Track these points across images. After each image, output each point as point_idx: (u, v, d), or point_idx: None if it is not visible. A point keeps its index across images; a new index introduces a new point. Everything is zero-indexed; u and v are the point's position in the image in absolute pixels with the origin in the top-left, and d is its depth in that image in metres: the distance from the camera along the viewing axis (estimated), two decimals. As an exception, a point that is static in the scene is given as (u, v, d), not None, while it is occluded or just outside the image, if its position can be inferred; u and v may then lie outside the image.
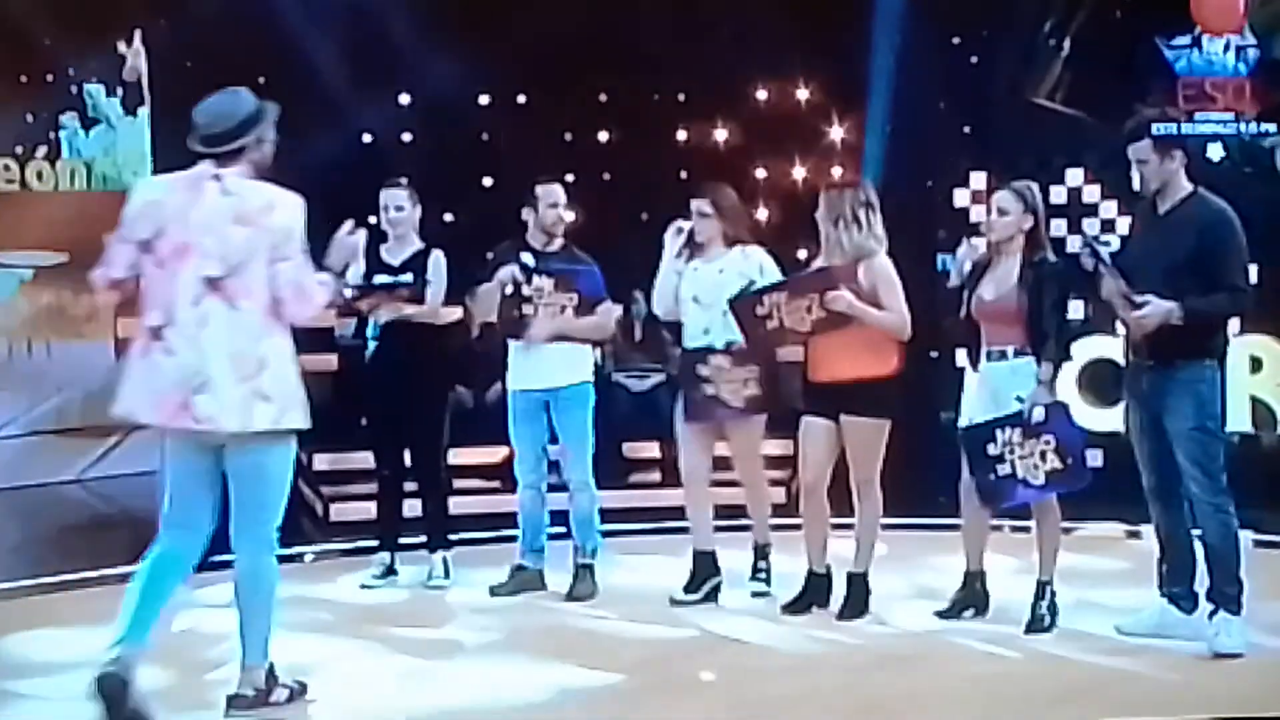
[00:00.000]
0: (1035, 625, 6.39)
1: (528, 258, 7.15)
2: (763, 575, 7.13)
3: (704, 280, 6.99)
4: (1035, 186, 6.53)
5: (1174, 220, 6.04)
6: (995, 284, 6.42)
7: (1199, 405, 6.01)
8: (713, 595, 7.04)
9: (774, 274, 6.94)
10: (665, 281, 7.07)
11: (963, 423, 6.47)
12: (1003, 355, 6.38)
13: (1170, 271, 5.95)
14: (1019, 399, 6.28)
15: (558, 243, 7.34)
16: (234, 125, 5.22)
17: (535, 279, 7.09)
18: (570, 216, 7.43)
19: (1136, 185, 6.08)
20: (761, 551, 7.16)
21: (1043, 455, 6.25)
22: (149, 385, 5.16)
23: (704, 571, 7.05)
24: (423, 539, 7.60)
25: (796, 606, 6.76)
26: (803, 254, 7.75)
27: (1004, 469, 6.29)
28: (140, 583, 5.19)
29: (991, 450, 6.29)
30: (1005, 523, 7.01)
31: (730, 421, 6.97)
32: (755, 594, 7.07)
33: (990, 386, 6.39)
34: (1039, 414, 6.24)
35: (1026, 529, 6.66)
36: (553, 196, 7.30)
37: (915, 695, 5.69)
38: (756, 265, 6.96)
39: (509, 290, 7.08)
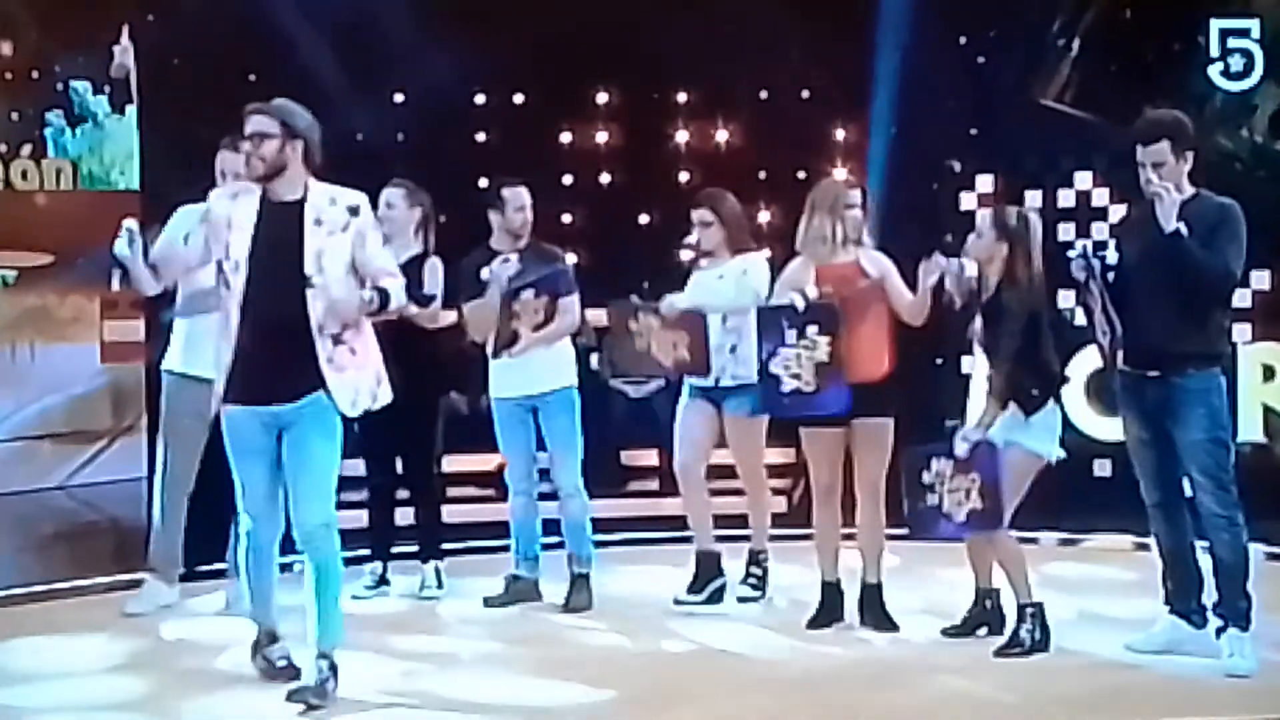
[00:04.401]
0: (1009, 647, 6.19)
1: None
2: (754, 581, 7.10)
3: (702, 286, 7.03)
4: (1033, 216, 6.36)
5: (1183, 221, 5.86)
6: (982, 315, 6.29)
7: (1211, 415, 5.95)
8: (716, 597, 7.01)
9: (765, 285, 6.94)
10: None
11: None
12: None
13: (1179, 272, 5.82)
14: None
15: (523, 242, 7.26)
16: None
17: (522, 294, 7.02)
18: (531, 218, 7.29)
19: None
20: (755, 558, 7.12)
21: (967, 493, 6.13)
22: None
23: (707, 573, 7.00)
24: (415, 548, 7.52)
25: (820, 621, 6.66)
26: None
27: (932, 499, 6.19)
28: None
29: (925, 478, 6.19)
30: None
31: (731, 423, 6.98)
32: (742, 599, 7.06)
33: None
34: (961, 449, 6.10)
35: (1034, 540, 6.53)
36: (520, 199, 7.25)
37: (917, 710, 5.65)
38: (756, 275, 6.99)
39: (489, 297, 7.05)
